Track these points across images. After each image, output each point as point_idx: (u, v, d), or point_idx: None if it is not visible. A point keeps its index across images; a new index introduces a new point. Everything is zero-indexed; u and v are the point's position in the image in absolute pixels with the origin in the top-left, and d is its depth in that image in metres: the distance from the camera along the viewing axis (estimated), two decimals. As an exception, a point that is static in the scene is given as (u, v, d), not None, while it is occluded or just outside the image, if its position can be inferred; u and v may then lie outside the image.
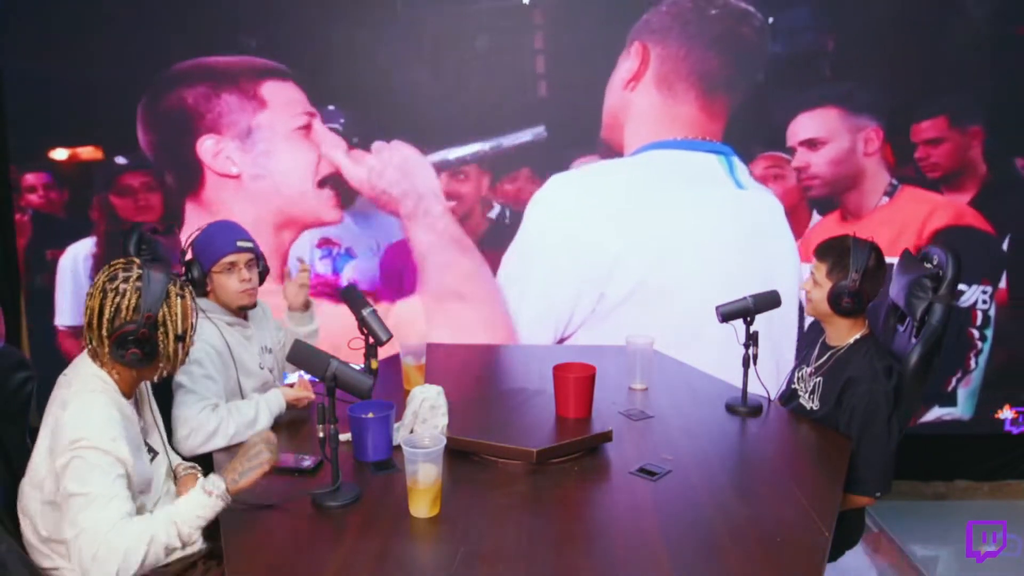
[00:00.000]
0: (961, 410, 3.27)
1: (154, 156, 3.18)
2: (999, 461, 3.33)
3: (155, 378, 1.63)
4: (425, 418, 1.87)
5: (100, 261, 3.23)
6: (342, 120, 3.15)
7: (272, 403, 1.97)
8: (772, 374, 2.96)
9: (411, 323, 3.17)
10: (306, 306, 2.30)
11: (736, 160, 3.11)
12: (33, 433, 1.74)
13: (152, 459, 1.68)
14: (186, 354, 1.63)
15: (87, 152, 3.22)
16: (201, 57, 3.10)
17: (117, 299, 1.52)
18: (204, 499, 1.46)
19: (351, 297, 2.26)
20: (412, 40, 3.13)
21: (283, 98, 3.11)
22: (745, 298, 2.11)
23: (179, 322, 1.57)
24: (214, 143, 3.12)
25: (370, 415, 1.76)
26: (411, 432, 1.85)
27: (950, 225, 3.12)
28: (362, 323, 2.21)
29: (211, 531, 1.50)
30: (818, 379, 2.07)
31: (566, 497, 1.65)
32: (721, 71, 3.05)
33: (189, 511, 1.45)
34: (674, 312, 3.10)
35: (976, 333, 3.21)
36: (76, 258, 3.28)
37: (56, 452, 1.47)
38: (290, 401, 2.01)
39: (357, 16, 3.08)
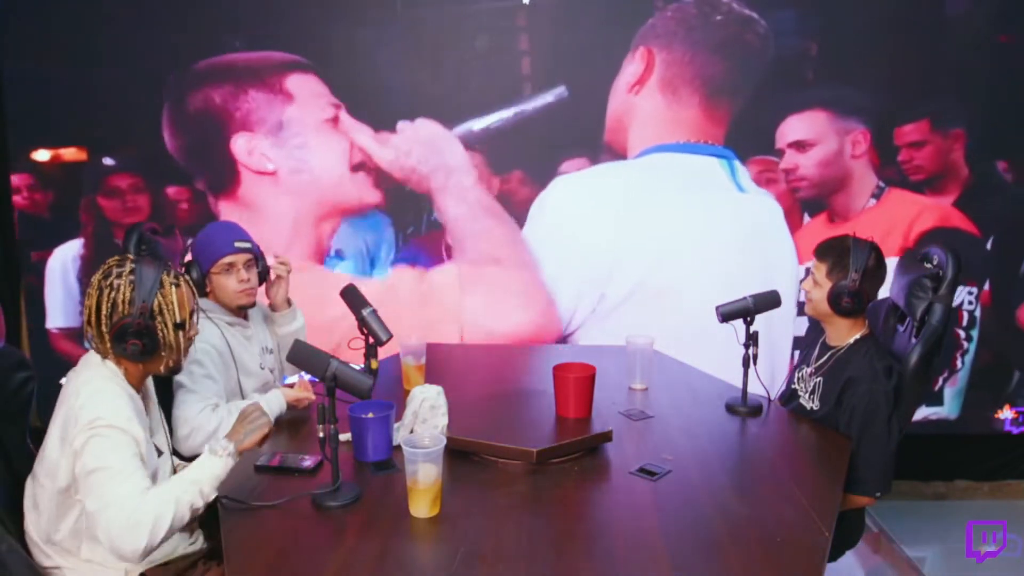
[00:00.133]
0: (948, 409, 3.28)
1: (185, 159, 3.17)
2: (999, 461, 3.33)
3: (162, 369, 1.63)
4: (425, 418, 1.87)
5: (89, 263, 3.23)
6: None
7: (272, 403, 1.96)
8: (772, 374, 2.98)
9: (444, 290, 3.14)
10: (288, 303, 2.26)
11: (737, 164, 3.12)
12: (33, 433, 1.75)
13: (158, 457, 1.68)
14: (189, 342, 1.64)
15: (76, 154, 3.20)
16: (201, 58, 3.09)
17: (112, 294, 1.53)
18: (216, 460, 1.50)
19: (351, 297, 2.25)
20: (412, 40, 3.13)
21: (308, 91, 3.11)
22: (745, 298, 2.11)
23: (176, 310, 1.58)
24: (246, 141, 3.11)
25: (370, 415, 1.76)
26: (411, 432, 1.85)
27: (936, 227, 3.13)
28: (362, 323, 2.21)
29: (211, 531, 1.50)
30: (818, 379, 2.07)
31: (566, 497, 1.65)
32: (725, 76, 3.06)
33: (207, 472, 1.49)
34: (674, 312, 3.11)
35: (963, 333, 3.22)
36: (65, 260, 3.26)
37: (72, 435, 1.49)
38: (290, 402, 2.01)
39: (357, 16, 3.08)
